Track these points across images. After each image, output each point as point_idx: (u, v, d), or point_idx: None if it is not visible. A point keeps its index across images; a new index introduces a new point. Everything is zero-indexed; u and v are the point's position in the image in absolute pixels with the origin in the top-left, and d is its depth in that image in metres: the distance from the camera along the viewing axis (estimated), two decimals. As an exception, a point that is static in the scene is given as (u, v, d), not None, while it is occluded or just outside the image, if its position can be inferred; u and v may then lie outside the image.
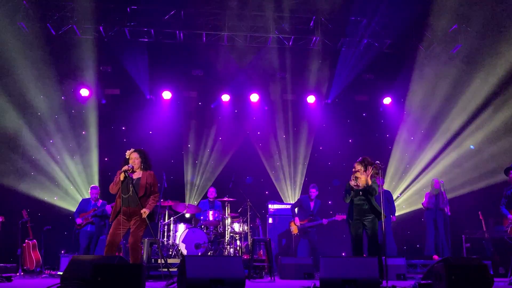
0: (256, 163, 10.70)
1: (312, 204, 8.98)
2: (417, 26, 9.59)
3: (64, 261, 7.94)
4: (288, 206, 9.50)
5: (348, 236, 6.38)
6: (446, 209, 8.71)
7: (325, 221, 8.73)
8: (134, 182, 5.70)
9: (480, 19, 9.10)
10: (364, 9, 8.98)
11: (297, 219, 8.84)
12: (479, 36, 9.46)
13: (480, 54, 9.74)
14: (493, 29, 9.17)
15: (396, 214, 9.00)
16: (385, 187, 9.54)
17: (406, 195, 10.56)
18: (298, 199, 9.24)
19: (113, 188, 5.75)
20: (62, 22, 9.08)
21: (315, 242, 8.88)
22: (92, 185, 8.80)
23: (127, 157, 5.83)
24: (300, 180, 10.79)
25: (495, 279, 5.17)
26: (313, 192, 9.01)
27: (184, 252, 7.82)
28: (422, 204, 9.12)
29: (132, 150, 5.88)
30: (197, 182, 10.64)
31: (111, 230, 5.62)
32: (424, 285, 5.28)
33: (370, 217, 6.04)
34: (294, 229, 8.84)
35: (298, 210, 9.05)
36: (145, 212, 5.60)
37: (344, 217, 7.90)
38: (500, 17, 8.89)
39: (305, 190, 10.23)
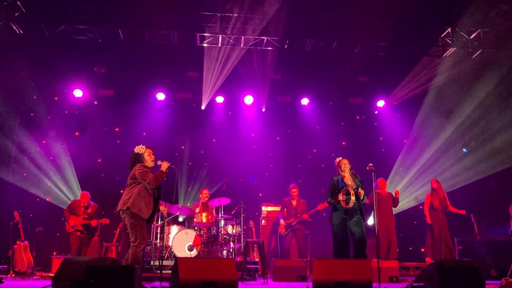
0: (249, 165, 10.67)
1: (295, 203, 8.98)
2: (411, 29, 9.62)
3: (56, 263, 7.90)
4: (282, 209, 9.48)
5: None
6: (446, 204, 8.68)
7: (305, 216, 8.74)
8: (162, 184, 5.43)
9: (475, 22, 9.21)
10: (359, 12, 9.00)
11: (281, 219, 8.86)
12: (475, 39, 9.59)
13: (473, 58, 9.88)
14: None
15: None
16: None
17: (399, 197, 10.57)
18: (282, 202, 9.22)
19: (157, 180, 5.21)
20: (55, 23, 9.02)
21: (303, 244, 8.87)
22: (83, 192, 8.59)
23: (141, 152, 5.39)
24: (294, 182, 10.75)
25: (487, 282, 5.19)
26: (294, 191, 9.03)
27: (177, 254, 7.80)
28: (425, 206, 8.91)
29: (143, 146, 5.47)
30: (190, 184, 10.61)
31: (145, 231, 5.28)
32: (417, 287, 5.30)
33: None
34: (281, 228, 8.85)
35: (286, 212, 9.04)
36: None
37: (326, 205, 8.13)
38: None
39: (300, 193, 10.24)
